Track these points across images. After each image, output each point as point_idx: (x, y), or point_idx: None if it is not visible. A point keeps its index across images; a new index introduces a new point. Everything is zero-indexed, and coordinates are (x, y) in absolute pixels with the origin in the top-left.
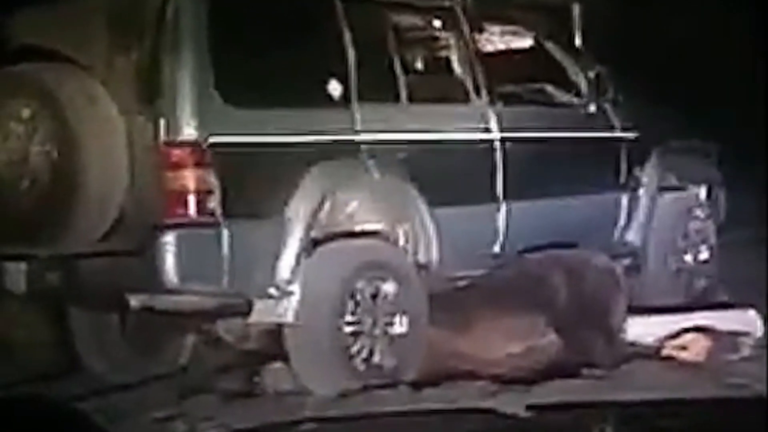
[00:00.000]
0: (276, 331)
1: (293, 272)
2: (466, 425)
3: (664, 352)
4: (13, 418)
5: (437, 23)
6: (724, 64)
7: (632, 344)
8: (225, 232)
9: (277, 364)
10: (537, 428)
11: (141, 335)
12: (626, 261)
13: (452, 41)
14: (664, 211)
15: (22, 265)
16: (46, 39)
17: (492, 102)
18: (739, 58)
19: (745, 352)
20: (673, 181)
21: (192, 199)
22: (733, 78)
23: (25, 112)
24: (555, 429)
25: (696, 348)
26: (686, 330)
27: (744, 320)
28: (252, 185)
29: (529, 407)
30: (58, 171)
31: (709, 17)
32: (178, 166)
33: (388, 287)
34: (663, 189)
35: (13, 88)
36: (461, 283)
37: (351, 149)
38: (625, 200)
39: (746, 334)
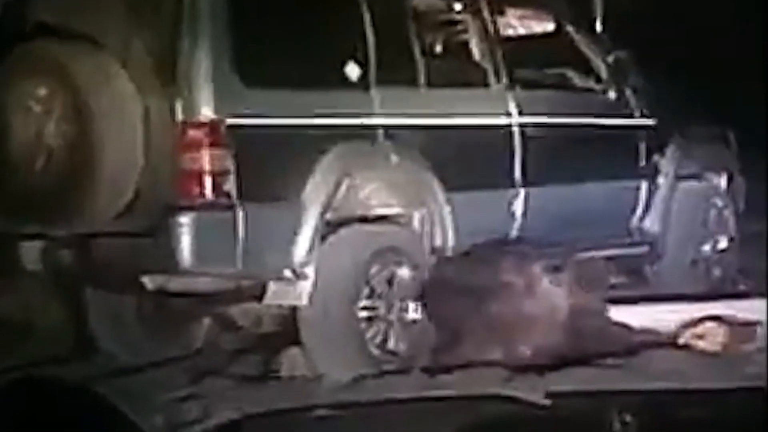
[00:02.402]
0: (291, 316)
1: (308, 255)
2: (481, 411)
3: (681, 340)
4: (27, 399)
5: (457, 6)
6: (747, 50)
7: (649, 332)
8: (240, 214)
9: (292, 349)
10: (553, 415)
11: (156, 317)
12: (643, 249)
13: (472, 24)
14: (683, 200)
15: (38, 244)
16: (64, 17)
17: (511, 86)
18: (762, 43)
19: (762, 341)
20: (693, 169)
21: (208, 180)
22: (756, 64)
23: (42, 91)
24: (572, 416)
25: (713, 337)
26: (703, 319)
27: (761, 310)
28: (268, 167)
29: (545, 394)
30: (74, 150)
31: (730, 2)
32: (194, 146)
33: (403, 272)
34: (682, 177)
35: (30, 66)
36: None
37: (368, 132)
38: (643, 187)
39: (762, 323)
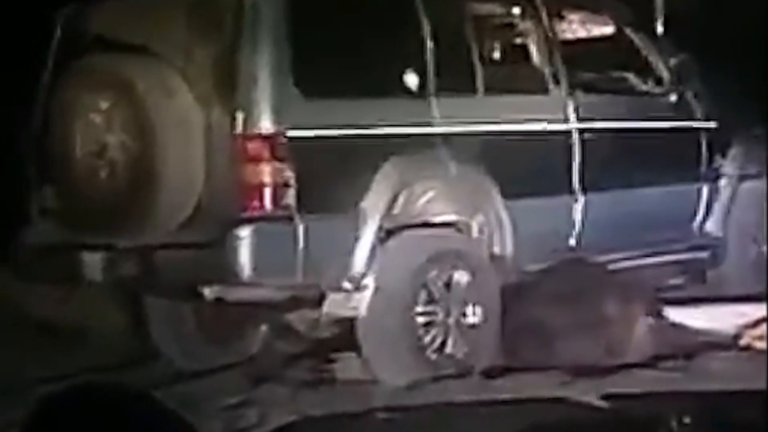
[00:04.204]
0: (348, 320)
1: (367, 266)
2: (538, 415)
3: (743, 341)
4: (89, 404)
5: (516, 11)
6: None
7: (710, 334)
8: (300, 226)
9: (349, 353)
10: (612, 418)
11: (214, 324)
12: (705, 252)
13: (531, 29)
14: (744, 201)
15: (99, 255)
16: (125, 30)
17: (571, 91)
18: None
19: None
20: (754, 170)
21: (268, 193)
22: None
23: (104, 103)
24: (631, 419)
25: None
26: (762, 320)
27: None
28: (328, 178)
29: (603, 397)
30: (135, 162)
31: None
32: (255, 159)
33: (461, 276)
34: (743, 177)
35: (92, 79)
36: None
37: (427, 141)
38: (705, 190)
39: None
